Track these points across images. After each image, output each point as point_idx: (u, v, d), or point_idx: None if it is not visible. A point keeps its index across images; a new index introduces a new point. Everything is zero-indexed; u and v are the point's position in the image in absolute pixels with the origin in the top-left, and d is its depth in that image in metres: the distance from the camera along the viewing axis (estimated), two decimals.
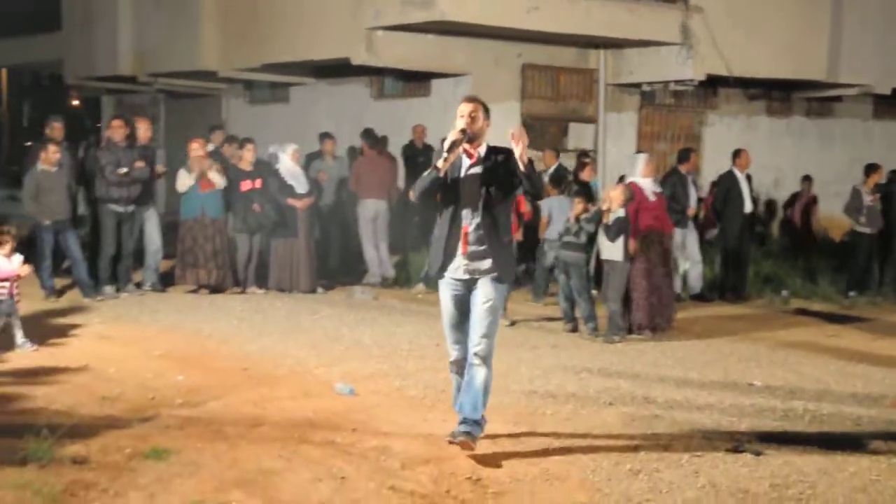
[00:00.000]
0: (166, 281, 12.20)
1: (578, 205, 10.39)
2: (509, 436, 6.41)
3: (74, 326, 9.65)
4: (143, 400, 7.05)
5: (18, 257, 8.57)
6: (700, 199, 13.44)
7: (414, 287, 12.83)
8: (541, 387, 7.86)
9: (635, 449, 6.26)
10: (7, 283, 8.43)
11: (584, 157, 13.32)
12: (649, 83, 16.23)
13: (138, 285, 11.87)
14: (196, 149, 11.96)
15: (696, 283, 12.77)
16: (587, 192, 11.35)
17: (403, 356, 8.82)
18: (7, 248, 8.46)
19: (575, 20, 14.39)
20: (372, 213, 13.21)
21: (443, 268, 6.03)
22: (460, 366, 6.10)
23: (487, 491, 5.42)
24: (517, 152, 5.78)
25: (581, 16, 14.39)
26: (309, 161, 14.14)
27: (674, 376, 8.47)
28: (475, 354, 5.90)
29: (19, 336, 8.45)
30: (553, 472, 5.73)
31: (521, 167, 5.79)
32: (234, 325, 9.98)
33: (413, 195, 6.07)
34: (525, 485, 5.53)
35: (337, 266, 13.93)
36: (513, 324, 10.60)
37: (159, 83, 20.10)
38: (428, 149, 14.64)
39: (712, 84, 16.37)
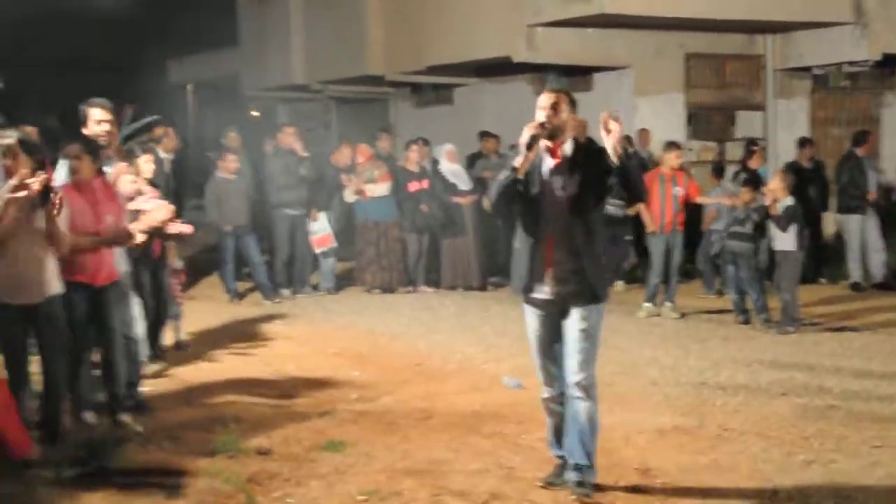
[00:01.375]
0: (344, 282, 12.60)
1: (746, 194, 10.22)
2: (676, 428, 6.42)
3: (256, 327, 10.11)
4: (321, 395, 7.36)
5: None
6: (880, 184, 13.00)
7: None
8: (710, 378, 7.80)
9: (808, 439, 6.16)
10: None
11: (752, 146, 13.02)
12: (821, 66, 15.71)
13: (315, 287, 12.31)
14: (357, 156, 12.36)
15: (878, 271, 12.32)
16: (755, 181, 11.10)
17: None
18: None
19: (741, 5, 14.04)
20: None
21: (528, 288, 5.14)
22: (553, 405, 5.31)
23: (655, 481, 5.45)
24: (609, 144, 4.92)
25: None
26: (473, 161, 14.34)
27: (852, 367, 8.23)
28: (576, 385, 5.10)
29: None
30: (722, 463, 5.71)
31: (615, 158, 4.90)
32: (405, 323, 10.24)
33: (487, 202, 5.41)
34: (693, 475, 5.53)
35: (507, 263, 14.02)
36: (682, 316, 10.51)
37: (329, 90, 20.72)
38: (589, 142, 14.63)
39: (889, 63, 15.71)
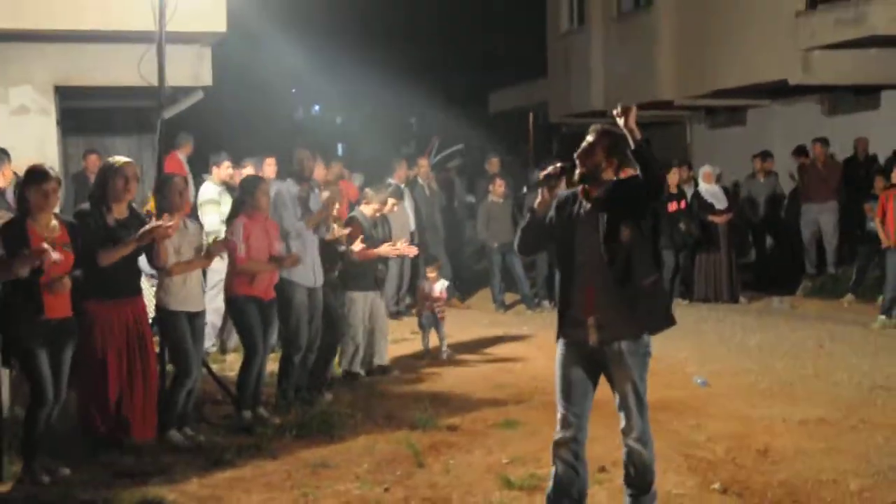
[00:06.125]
0: None
1: None
2: (820, 419, 7.02)
3: (508, 331, 11.35)
4: (529, 388, 8.47)
5: (443, 283, 10.26)
6: None
7: (844, 297, 12.96)
8: (881, 382, 8.23)
9: None
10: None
11: None
12: None
13: None
14: None
15: None
16: None
17: (778, 357, 9.46)
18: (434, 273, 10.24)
19: None
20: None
21: (562, 333, 4.94)
22: (565, 449, 4.95)
23: (767, 459, 6.19)
24: (621, 123, 4.67)
25: None
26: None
27: None
28: (633, 440, 4.91)
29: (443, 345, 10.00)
30: (838, 447, 6.31)
31: (632, 143, 4.64)
32: None
33: (516, 245, 5.11)
34: (807, 456, 6.21)
35: (775, 276, 14.46)
36: None
37: None
38: (870, 161, 14.77)
39: None
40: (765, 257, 15.39)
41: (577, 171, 4.84)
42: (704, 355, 9.63)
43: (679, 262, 13.24)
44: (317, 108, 37.48)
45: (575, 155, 4.86)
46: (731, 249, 13.23)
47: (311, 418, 7.22)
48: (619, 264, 4.74)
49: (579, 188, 4.90)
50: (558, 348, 4.99)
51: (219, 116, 20.68)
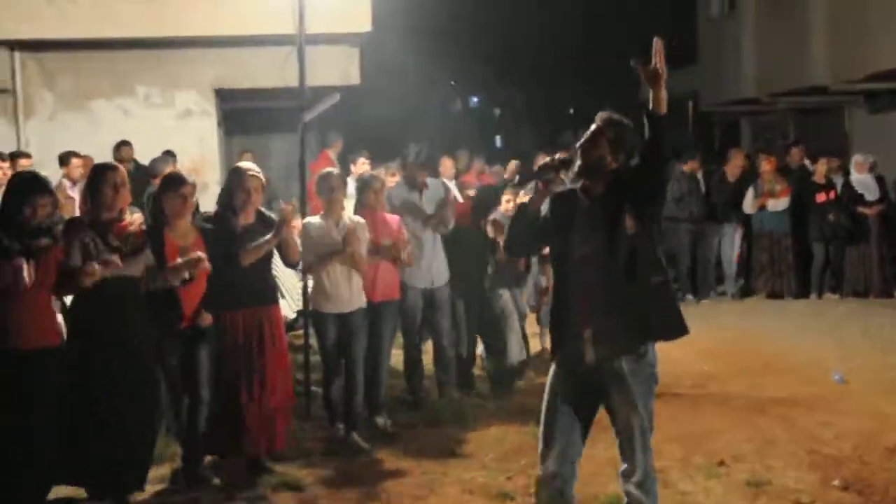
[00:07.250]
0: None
1: None
2: None
3: None
4: (663, 380, 8.49)
5: None
6: None
7: None
8: None
9: None
10: None
11: None
12: None
13: (723, 294, 13.31)
14: (764, 164, 13.13)
15: None
16: None
17: None
18: None
19: None
20: None
21: (556, 350, 4.46)
22: (546, 488, 4.38)
23: (895, 457, 6.12)
24: (652, 83, 4.05)
25: None
26: None
27: None
28: (634, 484, 4.33)
29: None
30: None
31: (651, 104, 4.08)
32: (779, 325, 10.92)
33: (502, 243, 4.39)
34: None
35: None
36: None
37: (781, 102, 21.25)
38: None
39: None
40: None
41: (578, 164, 4.36)
42: (846, 351, 9.47)
43: (829, 255, 12.98)
44: (475, 99, 37.89)
45: (577, 145, 4.39)
46: (883, 242, 12.85)
47: (445, 409, 7.51)
48: (621, 262, 4.22)
49: (579, 184, 4.43)
50: (552, 369, 4.49)
51: (373, 112, 21.25)
